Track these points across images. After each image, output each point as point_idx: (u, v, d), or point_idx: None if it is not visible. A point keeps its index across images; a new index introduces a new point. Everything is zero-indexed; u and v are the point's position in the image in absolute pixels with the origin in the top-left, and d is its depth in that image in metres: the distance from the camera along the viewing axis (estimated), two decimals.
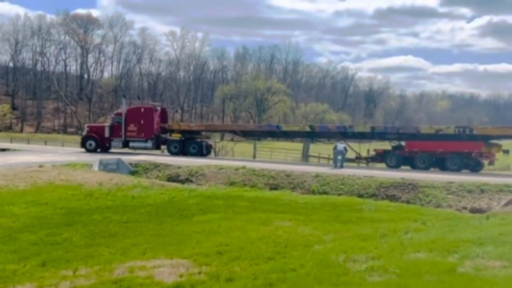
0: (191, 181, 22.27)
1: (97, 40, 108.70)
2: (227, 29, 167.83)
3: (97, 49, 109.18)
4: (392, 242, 9.45)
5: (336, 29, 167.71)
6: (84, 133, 33.92)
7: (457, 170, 24.85)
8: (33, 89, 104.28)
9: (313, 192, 19.93)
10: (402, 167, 26.50)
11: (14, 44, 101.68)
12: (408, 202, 18.34)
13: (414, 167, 25.91)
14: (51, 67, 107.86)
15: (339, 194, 19.42)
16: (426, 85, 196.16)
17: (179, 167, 24.11)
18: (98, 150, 32.14)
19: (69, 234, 10.61)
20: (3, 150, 31.87)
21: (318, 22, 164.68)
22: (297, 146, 42.87)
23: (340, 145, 26.22)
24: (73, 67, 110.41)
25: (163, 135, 33.09)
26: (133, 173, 24.16)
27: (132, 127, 32.37)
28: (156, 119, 32.98)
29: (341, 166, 25.42)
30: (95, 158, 25.39)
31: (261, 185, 21.32)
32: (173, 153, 31.64)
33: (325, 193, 19.67)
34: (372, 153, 28.80)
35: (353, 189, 20.06)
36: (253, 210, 13.68)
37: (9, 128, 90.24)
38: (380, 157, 27.84)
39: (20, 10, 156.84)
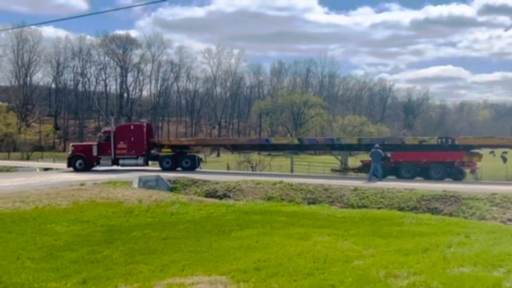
0: (229, 197, 22.30)
1: (136, 59, 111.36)
2: (262, 45, 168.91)
3: (135, 68, 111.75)
4: (435, 256, 9.20)
5: (372, 41, 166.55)
6: (70, 152, 33.54)
7: (440, 178, 25.54)
8: (74, 109, 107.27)
9: (352, 206, 19.64)
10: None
11: (56, 66, 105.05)
12: (450, 214, 17.85)
13: (399, 177, 26.45)
14: (92, 87, 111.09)
15: (379, 208, 19.07)
16: (467, 95, 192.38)
17: (217, 183, 24.21)
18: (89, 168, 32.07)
19: (109, 252, 10.74)
20: (46, 169, 32.67)
21: (354, 35, 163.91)
22: (335, 159, 42.57)
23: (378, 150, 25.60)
24: (113, 87, 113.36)
25: (153, 151, 33.34)
26: (171, 189, 24.36)
27: (122, 144, 32.38)
28: (145, 135, 33.29)
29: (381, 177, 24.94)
30: (135, 176, 25.74)
31: (299, 199, 21.16)
32: (165, 169, 31.53)
33: (365, 206, 19.36)
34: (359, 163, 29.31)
35: (393, 203, 19.68)
36: (291, 225, 13.56)
37: (52, 148, 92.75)
38: (367, 167, 28.00)
39: (62, 33, 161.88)
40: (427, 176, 26.23)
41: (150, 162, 33.68)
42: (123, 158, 32.41)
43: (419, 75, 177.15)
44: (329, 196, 21.16)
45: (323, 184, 22.47)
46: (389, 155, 27.50)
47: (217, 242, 11.47)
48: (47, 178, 26.64)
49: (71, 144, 36.83)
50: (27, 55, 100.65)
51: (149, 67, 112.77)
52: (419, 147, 27.28)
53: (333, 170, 31.27)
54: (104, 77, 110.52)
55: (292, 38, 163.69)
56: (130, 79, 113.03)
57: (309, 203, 20.45)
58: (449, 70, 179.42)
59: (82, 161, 32.24)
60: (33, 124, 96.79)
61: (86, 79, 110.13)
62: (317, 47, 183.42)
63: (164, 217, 15.52)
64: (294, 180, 23.95)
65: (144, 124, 34.82)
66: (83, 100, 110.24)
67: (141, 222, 14.49)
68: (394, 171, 27.12)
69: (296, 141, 33.74)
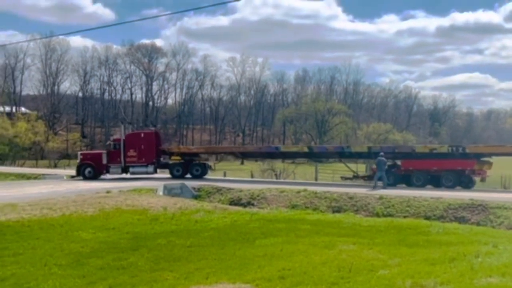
0: (253, 205, 22.31)
1: (161, 68, 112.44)
2: (287, 53, 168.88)
3: (161, 77, 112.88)
4: (462, 266, 9.06)
5: (397, 49, 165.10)
6: (78, 161, 33.39)
7: (452, 186, 25.71)
8: (101, 118, 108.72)
9: (377, 215, 19.47)
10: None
11: (83, 75, 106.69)
12: (478, 224, 17.56)
13: (409, 184, 26.61)
14: (118, 96, 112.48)
15: (404, 217, 18.88)
16: (494, 102, 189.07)
17: (241, 191, 24.25)
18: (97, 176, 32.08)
19: (134, 259, 10.83)
20: (73, 176, 33.11)
21: (379, 42, 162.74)
22: (361, 167, 42.20)
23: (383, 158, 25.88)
24: (139, 95, 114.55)
25: (162, 159, 33.32)
26: (196, 197, 24.50)
27: (132, 152, 32.27)
28: (155, 143, 33.27)
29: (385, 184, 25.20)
30: (160, 183, 25.95)
31: (324, 208, 21.06)
32: (175, 177, 31.53)
33: (390, 215, 19.18)
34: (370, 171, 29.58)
35: (419, 211, 19.45)
36: (315, 234, 13.50)
37: None
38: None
39: (89, 43, 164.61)
40: (437, 184, 26.25)
41: (158, 170, 33.64)
42: (133, 166, 32.34)
43: (445, 82, 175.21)
44: (354, 204, 21.02)
45: (348, 193, 22.34)
46: (399, 163, 27.93)
47: (241, 250, 11.47)
48: (74, 186, 27.05)
49: (79, 152, 36.82)
50: (55, 65, 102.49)
51: (174, 75, 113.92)
52: (429, 155, 27.41)
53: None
54: (130, 86, 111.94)
55: (317, 46, 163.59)
56: (155, 87, 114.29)
57: (333, 212, 20.34)
58: (476, 77, 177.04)
59: (91, 169, 32.20)
60: (60, 132, 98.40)
61: (112, 88, 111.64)
62: (341, 54, 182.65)
63: (189, 224, 15.60)
64: (319, 189, 23.85)
65: (153, 132, 35.01)
66: (109, 108, 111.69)
67: (166, 230, 14.58)
68: (404, 179, 27.25)
69: (305, 149, 34.04)
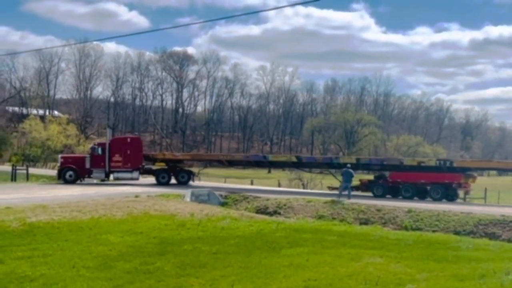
0: (279, 214, 22.27)
1: (192, 75, 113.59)
2: (317, 63, 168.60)
3: (191, 84, 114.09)
4: (492, 283, 8.88)
5: (430, 61, 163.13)
6: (59, 164, 32.82)
7: (439, 199, 26.41)
8: (132, 123, 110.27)
9: (406, 228, 19.23)
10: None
11: (116, 80, 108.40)
12: (509, 240, 17.19)
13: (397, 196, 27.35)
14: (149, 102, 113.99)
15: (433, 231, 18.60)
16: None
17: (268, 199, 24.23)
18: (78, 181, 31.72)
19: (161, 264, 10.89)
20: (103, 180, 33.56)
21: (411, 54, 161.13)
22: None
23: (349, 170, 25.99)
24: (169, 102, 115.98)
25: (145, 165, 33.12)
26: (223, 204, 24.58)
27: (117, 157, 31.72)
28: (141, 149, 33.05)
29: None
30: (187, 189, 26.12)
31: (351, 219, 20.89)
32: (161, 183, 31.43)
33: (419, 229, 18.92)
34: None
35: (449, 226, 19.15)
36: (342, 245, 13.39)
37: None
38: (364, 186, 29.19)
39: (122, 49, 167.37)
40: (424, 196, 27.13)
41: (140, 176, 32.96)
42: (118, 171, 31.96)
43: (478, 96, 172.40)
44: (382, 217, 20.81)
45: (375, 205, 22.13)
46: (386, 174, 28.86)
47: (267, 259, 11.44)
48: (103, 189, 27.42)
49: (60, 155, 35.55)
50: (88, 70, 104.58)
51: (204, 83, 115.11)
52: (417, 168, 28.19)
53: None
54: (160, 92, 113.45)
55: (347, 57, 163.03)
56: (185, 94, 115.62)
57: (360, 223, 20.17)
58: (509, 91, 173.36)
59: (72, 172, 31.64)
60: (91, 136, 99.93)
61: (143, 94, 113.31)
62: (372, 66, 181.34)
63: (215, 231, 15.64)
64: (346, 200, 23.68)
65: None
66: (140, 114, 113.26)
67: (193, 236, 14.64)
68: (392, 190, 28.05)
69: (294, 159, 34.34)
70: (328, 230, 16.70)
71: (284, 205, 23.08)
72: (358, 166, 30.51)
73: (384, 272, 9.96)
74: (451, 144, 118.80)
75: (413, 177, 27.50)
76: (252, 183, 43.34)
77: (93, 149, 32.92)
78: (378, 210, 21.40)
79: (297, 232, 15.71)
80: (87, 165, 31.95)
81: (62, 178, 31.82)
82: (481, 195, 34.57)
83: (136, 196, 22.92)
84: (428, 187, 27.07)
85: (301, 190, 38.50)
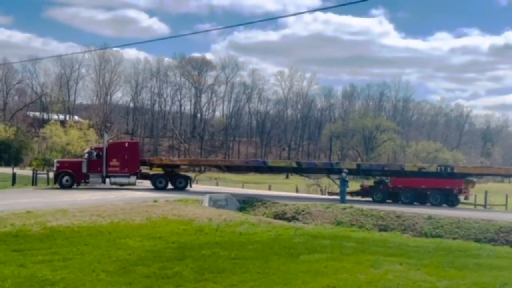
0: (297, 219, 22.19)
1: (210, 81, 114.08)
2: (335, 69, 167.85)
3: (209, 89, 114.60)
4: None
5: (450, 67, 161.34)
6: (55, 169, 32.41)
7: (439, 204, 26.40)
8: (150, 128, 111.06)
9: (425, 235, 19.03)
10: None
11: (135, 85, 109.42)
12: None
13: (397, 201, 27.32)
14: (167, 107, 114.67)
15: (454, 238, 18.38)
16: None
17: (286, 205, 24.18)
18: (74, 186, 31.53)
19: (179, 268, 10.92)
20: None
21: (431, 59, 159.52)
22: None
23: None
24: (187, 107, 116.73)
25: (142, 170, 32.95)
26: (241, 209, 24.59)
27: (114, 162, 31.58)
28: (139, 153, 32.83)
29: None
30: (205, 195, 26.17)
31: (370, 225, 20.75)
32: (158, 188, 31.22)
33: (439, 236, 18.71)
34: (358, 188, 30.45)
35: (469, 233, 18.90)
36: (361, 252, 13.30)
37: None
38: (365, 191, 29.49)
39: (142, 55, 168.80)
40: (424, 201, 27.01)
41: (137, 181, 32.79)
42: (115, 176, 31.68)
43: (498, 101, 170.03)
44: (402, 224, 20.63)
45: (395, 211, 21.95)
46: (387, 180, 28.89)
47: (285, 265, 11.41)
48: (122, 194, 27.63)
49: (55, 160, 35.62)
50: (108, 75, 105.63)
51: (222, 88, 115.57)
52: (418, 173, 28.10)
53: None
54: (179, 98, 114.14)
55: (366, 62, 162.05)
56: (204, 99, 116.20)
57: (380, 230, 20.02)
58: None
59: (69, 177, 31.42)
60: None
61: (162, 99, 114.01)
62: (391, 71, 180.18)
63: (233, 236, 15.64)
64: (365, 206, 23.53)
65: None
66: (159, 119, 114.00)
67: (211, 241, 14.66)
68: (392, 195, 28.09)
69: (294, 164, 34.22)
70: (346, 236, 16.59)
71: (302, 210, 23.02)
72: (358, 171, 30.83)
73: (404, 279, 9.86)
74: (471, 150, 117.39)
75: (414, 182, 27.54)
76: (270, 189, 43.25)
77: (89, 153, 32.52)
78: (398, 217, 21.21)
79: (316, 238, 15.64)
80: (84, 170, 31.77)
81: (59, 183, 31.60)
82: (502, 201, 34.13)
83: (155, 201, 23.05)
84: (428, 193, 27.01)
85: (319, 196, 38.31)
